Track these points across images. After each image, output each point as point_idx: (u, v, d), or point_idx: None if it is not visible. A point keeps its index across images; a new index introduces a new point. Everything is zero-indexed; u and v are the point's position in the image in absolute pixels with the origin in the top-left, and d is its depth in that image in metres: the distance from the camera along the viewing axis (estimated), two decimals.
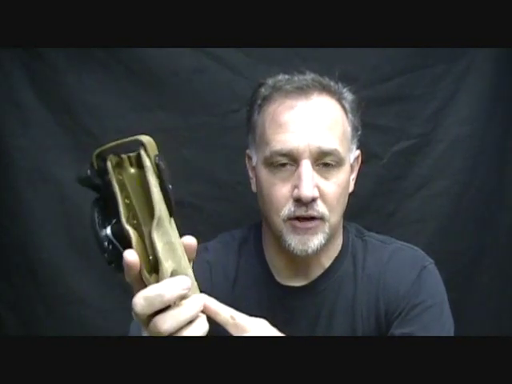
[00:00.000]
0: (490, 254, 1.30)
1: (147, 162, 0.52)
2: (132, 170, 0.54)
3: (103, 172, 0.53)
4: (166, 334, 0.56)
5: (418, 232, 1.27)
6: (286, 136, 0.83)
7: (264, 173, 0.86)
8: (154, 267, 0.55)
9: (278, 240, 0.86)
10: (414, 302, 0.86)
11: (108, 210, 0.53)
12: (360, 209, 1.19)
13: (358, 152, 0.93)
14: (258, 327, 0.65)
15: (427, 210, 1.28)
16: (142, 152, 0.52)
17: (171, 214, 0.55)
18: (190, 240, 0.59)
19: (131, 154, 0.54)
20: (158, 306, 0.54)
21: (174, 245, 0.56)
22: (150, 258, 0.55)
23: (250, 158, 0.93)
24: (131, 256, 0.52)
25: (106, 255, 0.53)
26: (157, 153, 0.53)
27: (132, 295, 0.55)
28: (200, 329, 0.59)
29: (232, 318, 0.62)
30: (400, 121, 1.26)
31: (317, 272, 0.91)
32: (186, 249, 0.59)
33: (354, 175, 0.94)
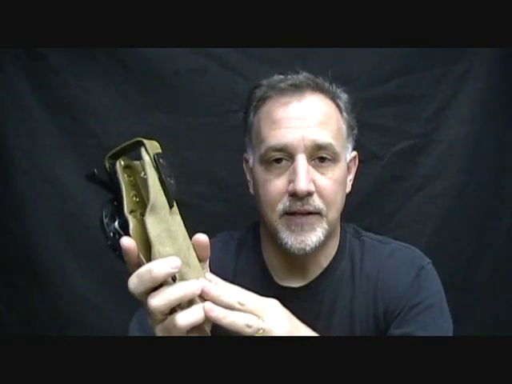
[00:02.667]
0: (489, 254, 1.31)
1: (146, 157, 0.58)
2: (142, 174, 0.60)
3: (114, 172, 0.59)
4: (157, 312, 0.57)
5: (418, 232, 1.27)
6: (281, 131, 0.83)
7: (260, 170, 0.86)
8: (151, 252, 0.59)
9: (275, 239, 0.86)
10: (413, 301, 0.85)
11: (120, 208, 0.59)
12: (360, 209, 1.19)
13: (354, 153, 0.93)
14: (272, 311, 0.63)
15: (427, 210, 1.28)
16: (142, 149, 0.58)
17: (171, 206, 0.59)
18: (201, 237, 0.63)
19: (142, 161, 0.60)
20: (147, 282, 0.57)
21: (173, 233, 0.59)
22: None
23: (247, 162, 0.93)
24: (127, 241, 0.56)
25: (109, 243, 0.58)
26: (158, 152, 0.59)
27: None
28: (193, 314, 0.58)
29: (240, 304, 0.61)
30: (400, 121, 1.26)
31: (315, 272, 0.91)
32: (196, 245, 0.62)
33: (351, 176, 0.94)
